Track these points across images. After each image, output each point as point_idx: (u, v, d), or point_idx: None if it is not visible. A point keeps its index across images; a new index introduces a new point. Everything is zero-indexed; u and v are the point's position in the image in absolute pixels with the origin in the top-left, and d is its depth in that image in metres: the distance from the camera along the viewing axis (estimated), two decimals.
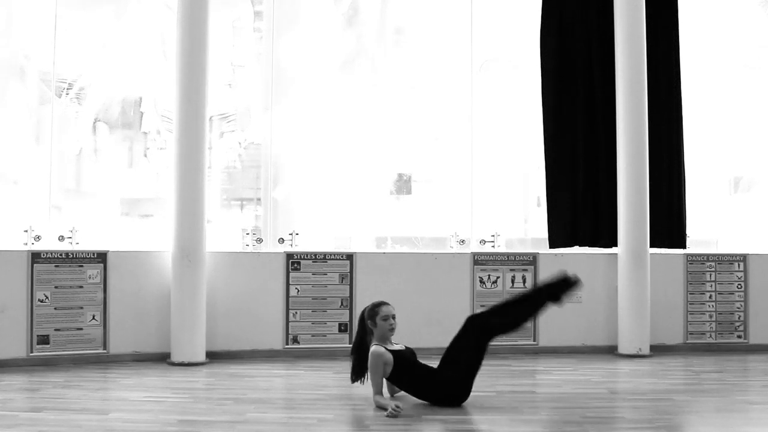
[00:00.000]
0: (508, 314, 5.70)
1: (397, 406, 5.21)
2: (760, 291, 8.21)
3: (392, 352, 5.53)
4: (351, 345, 5.89)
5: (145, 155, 8.72)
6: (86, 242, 7.48)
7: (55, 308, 7.17)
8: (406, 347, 5.69)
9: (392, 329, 5.58)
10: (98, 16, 8.37)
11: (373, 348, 5.53)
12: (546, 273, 8.00)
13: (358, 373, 5.70)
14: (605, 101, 8.10)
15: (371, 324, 5.60)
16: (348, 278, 7.82)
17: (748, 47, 8.94)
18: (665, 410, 5.46)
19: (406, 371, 5.55)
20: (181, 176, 7.33)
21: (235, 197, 8.95)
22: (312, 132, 8.73)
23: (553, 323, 7.98)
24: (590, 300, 8.02)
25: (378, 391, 5.48)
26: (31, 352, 7.07)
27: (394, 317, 5.60)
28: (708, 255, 8.25)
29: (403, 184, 8.95)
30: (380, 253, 8.10)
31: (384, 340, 5.59)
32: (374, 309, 5.62)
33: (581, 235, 8.18)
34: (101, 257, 7.35)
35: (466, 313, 5.74)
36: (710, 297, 8.20)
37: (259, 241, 7.92)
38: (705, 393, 6.16)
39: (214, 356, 7.46)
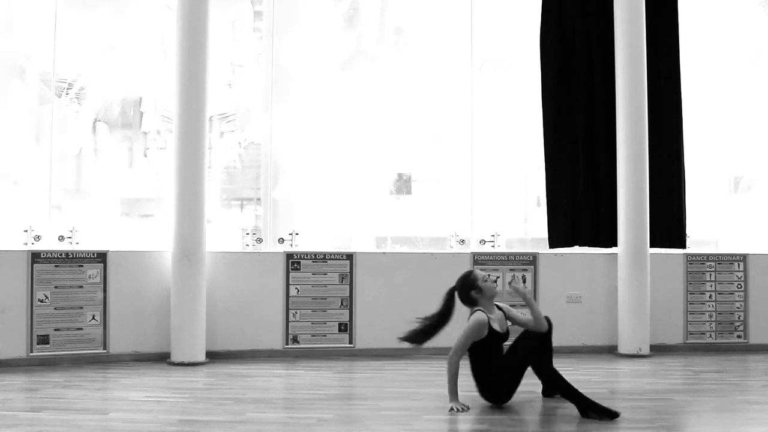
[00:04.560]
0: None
1: (462, 409, 5.32)
2: (760, 291, 8.21)
3: (492, 330, 5.51)
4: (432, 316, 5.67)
5: (145, 155, 8.71)
6: (86, 242, 7.48)
7: (55, 308, 7.17)
8: (504, 330, 5.67)
9: (495, 285, 5.70)
10: (98, 16, 8.37)
11: (480, 314, 5.53)
12: (546, 273, 8.02)
13: (419, 336, 5.66)
14: (605, 101, 8.10)
15: (476, 293, 5.58)
16: (348, 278, 7.82)
17: (748, 47, 8.94)
18: (665, 410, 5.46)
19: (485, 352, 5.51)
20: (181, 176, 7.33)
21: (235, 197, 8.95)
22: (312, 132, 8.73)
23: (553, 323, 7.97)
24: (590, 300, 8.03)
25: (460, 355, 5.44)
26: (31, 352, 7.07)
27: (489, 275, 5.79)
28: (708, 255, 8.24)
29: (403, 184, 8.94)
30: (380, 253, 8.10)
31: (491, 300, 5.63)
32: (469, 278, 5.64)
33: (581, 235, 8.18)
34: (101, 257, 7.35)
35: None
36: (710, 297, 8.20)
37: (259, 241, 7.92)
38: (705, 393, 6.16)
39: (214, 356, 7.46)
